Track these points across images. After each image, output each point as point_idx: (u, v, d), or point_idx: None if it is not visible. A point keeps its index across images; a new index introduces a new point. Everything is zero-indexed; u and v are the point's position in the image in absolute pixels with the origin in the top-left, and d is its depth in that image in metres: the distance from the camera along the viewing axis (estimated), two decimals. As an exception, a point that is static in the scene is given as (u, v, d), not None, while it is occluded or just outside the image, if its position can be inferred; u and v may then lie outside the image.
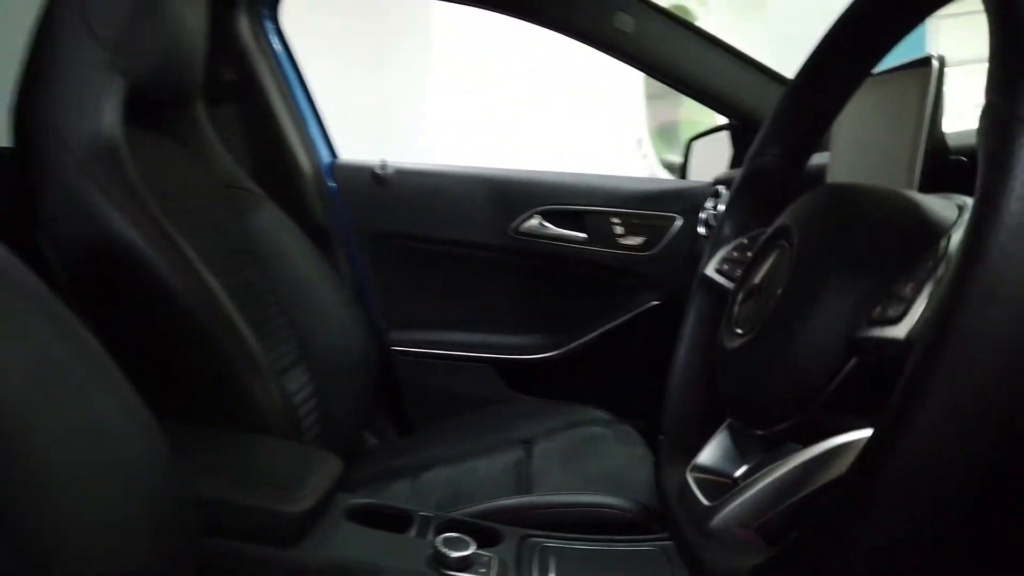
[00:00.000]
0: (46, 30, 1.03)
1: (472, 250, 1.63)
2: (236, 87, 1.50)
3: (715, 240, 0.79)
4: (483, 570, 0.86)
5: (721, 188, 1.42)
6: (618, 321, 1.60)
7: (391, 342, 1.65)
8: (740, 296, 0.64)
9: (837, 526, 0.41)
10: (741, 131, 1.55)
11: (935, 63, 0.71)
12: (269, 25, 1.53)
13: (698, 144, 1.78)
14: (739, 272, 0.69)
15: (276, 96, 1.53)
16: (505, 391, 1.62)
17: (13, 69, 1.04)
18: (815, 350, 0.50)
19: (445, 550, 0.84)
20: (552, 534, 0.97)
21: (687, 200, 1.55)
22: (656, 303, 1.58)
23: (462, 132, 2.79)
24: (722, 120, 1.61)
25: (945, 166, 0.72)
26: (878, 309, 0.46)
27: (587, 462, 1.24)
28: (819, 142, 0.74)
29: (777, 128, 0.73)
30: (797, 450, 0.54)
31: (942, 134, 0.72)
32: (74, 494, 0.63)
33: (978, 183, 0.36)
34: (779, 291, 0.56)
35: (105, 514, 0.64)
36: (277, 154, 1.56)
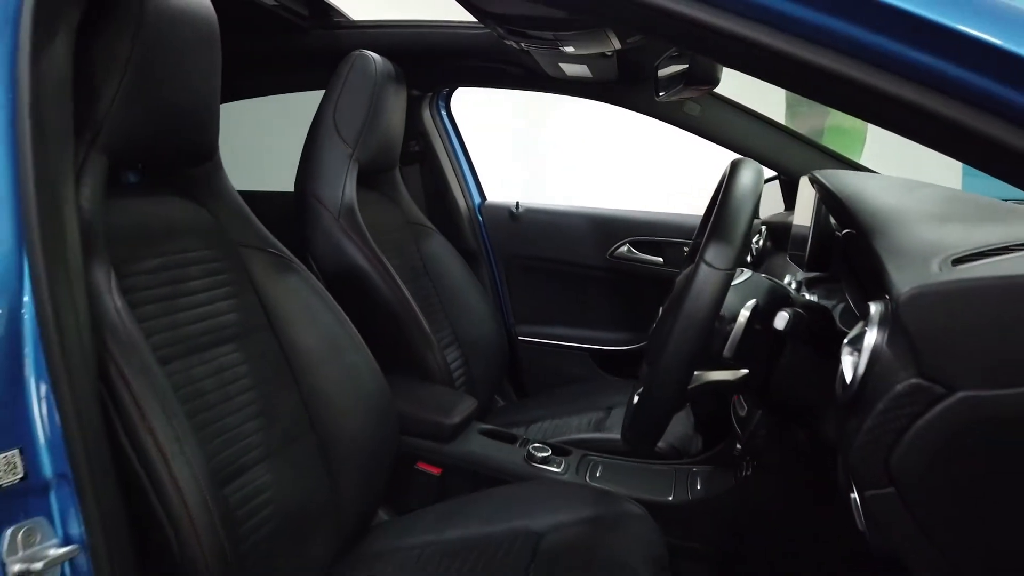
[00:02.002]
0: (313, 136, 1.70)
1: (578, 268, 2.18)
2: (419, 154, 2.15)
3: None
4: (556, 467, 1.44)
5: (762, 228, 1.89)
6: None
7: (517, 333, 2.24)
8: None
9: None
10: (786, 183, 2.00)
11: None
12: (443, 112, 2.18)
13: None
14: None
15: (445, 160, 2.17)
16: (597, 372, 2.17)
17: (295, 161, 1.70)
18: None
19: (533, 452, 1.43)
20: (603, 454, 1.53)
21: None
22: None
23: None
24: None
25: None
26: None
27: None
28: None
29: None
30: None
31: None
32: (341, 407, 1.22)
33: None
34: None
35: (357, 418, 1.24)
36: (444, 199, 2.19)
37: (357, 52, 1.67)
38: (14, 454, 0.70)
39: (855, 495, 0.71)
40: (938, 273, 0.63)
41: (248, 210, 1.25)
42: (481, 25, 1.79)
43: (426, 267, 1.92)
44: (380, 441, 1.26)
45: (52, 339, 0.71)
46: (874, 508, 0.64)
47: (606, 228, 2.15)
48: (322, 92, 1.72)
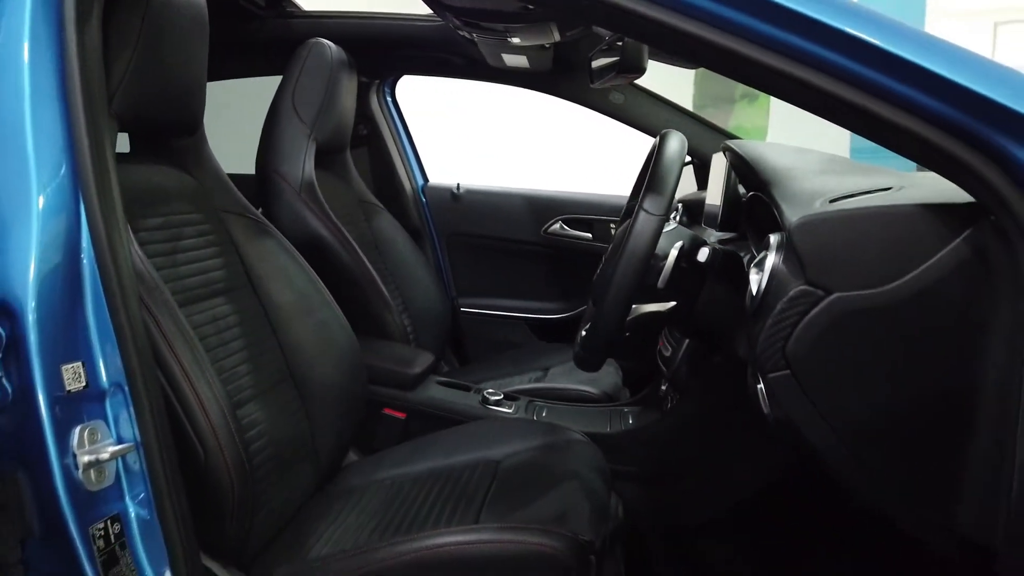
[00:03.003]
0: (272, 116, 1.82)
1: (515, 244, 2.38)
2: (367, 137, 2.29)
3: None
4: (507, 409, 1.62)
5: (679, 205, 2.12)
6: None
7: (459, 305, 2.41)
8: None
9: None
10: (698, 167, 2.24)
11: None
12: (388, 99, 2.32)
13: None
14: None
15: (391, 143, 2.32)
16: (533, 339, 2.37)
17: (255, 139, 1.82)
18: None
19: (487, 396, 1.60)
20: (548, 400, 1.73)
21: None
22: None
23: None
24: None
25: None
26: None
27: (582, 374, 1.97)
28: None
29: None
30: None
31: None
32: (314, 357, 1.37)
33: None
34: None
35: (329, 367, 1.38)
36: (390, 180, 2.34)
37: (314, 39, 1.80)
38: (78, 366, 0.83)
39: (761, 385, 0.92)
40: (819, 208, 0.85)
41: (228, 179, 1.37)
42: (427, 17, 1.96)
43: (376, 242, 2.06)
44: (350, 387, 1.41)
45: (108, 266, 0.84)
46: (775, 388, 0.85)
47: (540, 207, 2.35)
48: (276, 78, 1.84)
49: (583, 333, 1.13)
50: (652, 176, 1.04)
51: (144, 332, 0.90)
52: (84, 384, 0.83)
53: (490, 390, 1.67)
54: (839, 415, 0.83)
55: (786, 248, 0.86)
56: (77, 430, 0.82)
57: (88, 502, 0.82)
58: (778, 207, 0.91)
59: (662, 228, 1.02)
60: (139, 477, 0.87)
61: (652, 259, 1.03)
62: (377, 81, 2.26)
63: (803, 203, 0.87)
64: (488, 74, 2.08)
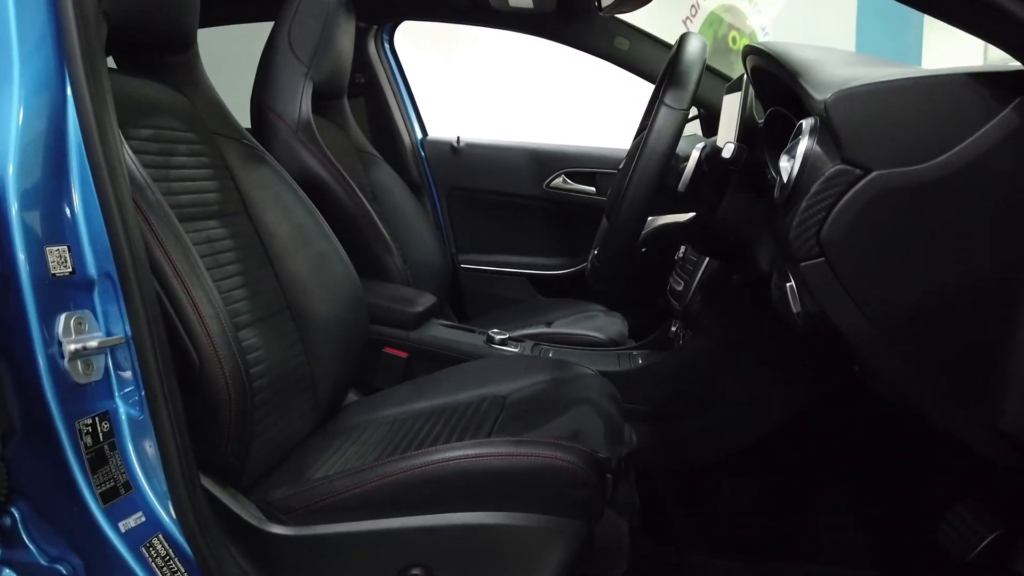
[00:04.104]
0: (268, 55, 1.76)
1: (516, 199, 2.32)
2: (364, 86, 2.23)
3: None
4: (513, 348, 1.57)
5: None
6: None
7: (459, 261, 2.35)
8: None
9: None
10: (707, 118, 2.19)
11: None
12: (387, 46, 2.26)
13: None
14: None
15: (389, 92, 2.26)
16: (534, 294, 2.32)
17: (251, 78, 1.76)
18: None
19: (492, 335, 1.55)
20: (553, 344, 1.68)
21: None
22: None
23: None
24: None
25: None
26: None
27: (587, 324, 1.92)
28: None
29: None
30: None
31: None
32: (313, 290, 1.31)
33: None
34: None
35: (327, 300, 1.33)
36: (388, 131, 2.29)
37: None
38: (64, 249, 0.77)
39: (790, 282, 0.87)
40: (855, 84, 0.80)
41: (222, 101, 1.31)
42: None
43: (375, 193, 2.01)
44: (350, 322, 1.35)
45: (96, 147, 0.78)
46: (808, 277, 0.80)
47: (542, 160, 2.29)
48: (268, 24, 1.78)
49: (597, 247, 1.07)
50: (673, 72, 0.99)
51: (136, 223, 0.84)
52: (70, 270, 0.77)
53: (495, 330, 1.62)
54: (877, 303, 0.78)
55: (820, 130, 0.81)
56: (63, 318, 0.76)
57: (75, 395, 0.77)
58: (807, 94, 0.86)
59: (684, 123, 0.96)
60: (130, 375, 0.82)
61: (673, 160, 0.98)
62: (375, 27, 2.20)
63: (835, 87, 0.82)
64: (491, 18, 2.03)
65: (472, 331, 1.67)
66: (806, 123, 0.83)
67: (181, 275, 0.92)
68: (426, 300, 1.64)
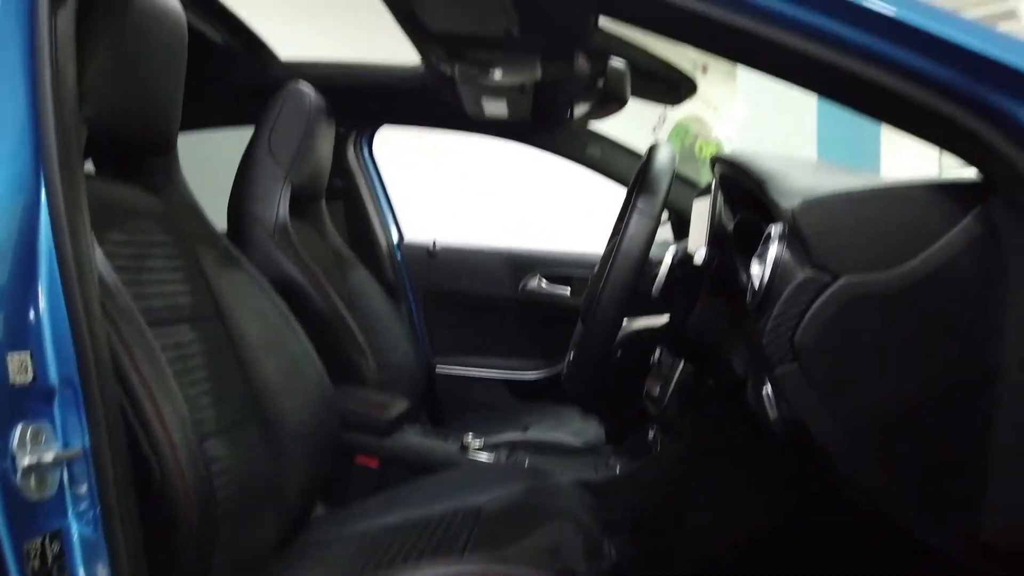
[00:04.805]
0: (248, 158, 1.79)
1: (491, 301, 2.33)
2: (342, 190, 2.26)
3: None
4: (488, 455, 1.54)
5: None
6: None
7: (434, 364, 2.33)
8: None
9: None
10: (677, 223, 2.24)
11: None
12: (365, 151, 2.31)
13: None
14: None
15: (367, 196, 2.29)
16: (511, 399, 2.29)
17: (229, 183, 1.78)
18: None
19: (467, 441, 1.52)
20: (529, 451, 1.64)
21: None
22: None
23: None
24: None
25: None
26: None
27: (564, 430, 1.89)
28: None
29: None
30: None
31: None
32: (284, 396, 1.28)
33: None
34: None
35: (299, 407, 1.30)
36: (365, 234, 2.30)
37: (293, 82, 1.79)
38: (26, 356, 0.74)
39: (766, 388, 0.86)
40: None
41: (199, 205, 1.32)
42: (406, 67, 1.97)
43: (350, 297, 2.00)
44: (321, 429, 1.32)
45: (67, 251, 0.77)
46: (783, 383, 0.80)
47: (518, 263, 2.32)
48: (249, 128, 1.82)
49: (573, 352, 1.07)
50: (645, 180, 1.02)
51: (103, 331, 0.82)
52: (31, 377, 0.74)
53: (469, 437, 1.59)
54: (851, 409, 0.77)
55: (789, 235, 0.82)
56: (18, 429, 0.73)
57: (26, 514, 0.73)
58: (774, 202, 0.88)
59: (657, 228, 0.98)
60: (86, 490, 0.77)
61: (645, 264, 0.99)
62: (355, 132, 2.25)
63: (801, 195, 0.85)
64: (467, 125, 2.09)
65: (447, 438, 1.63)
66: (774, 229, 0.85)
67: (147, 382, 0.90)
68: (400, 405, 1.61)
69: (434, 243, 2.37)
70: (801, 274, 0.78)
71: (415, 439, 1.58)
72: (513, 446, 1.66)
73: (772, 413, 0.85)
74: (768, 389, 0.85)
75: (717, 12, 0.74)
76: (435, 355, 2.36)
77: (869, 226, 0.78)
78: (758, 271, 0.85)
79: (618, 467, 1.54)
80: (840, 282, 0.76)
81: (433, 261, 2.35)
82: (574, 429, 1.88)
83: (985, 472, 0.74)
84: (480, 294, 2.33)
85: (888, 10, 0.71)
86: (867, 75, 0.72)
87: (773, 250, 0.83)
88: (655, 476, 1.46)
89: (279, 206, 1.72)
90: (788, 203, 0.83)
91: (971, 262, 0.73)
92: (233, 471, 1.10)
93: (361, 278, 2.06)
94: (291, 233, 1.71)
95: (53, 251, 0.77)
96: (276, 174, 1.75)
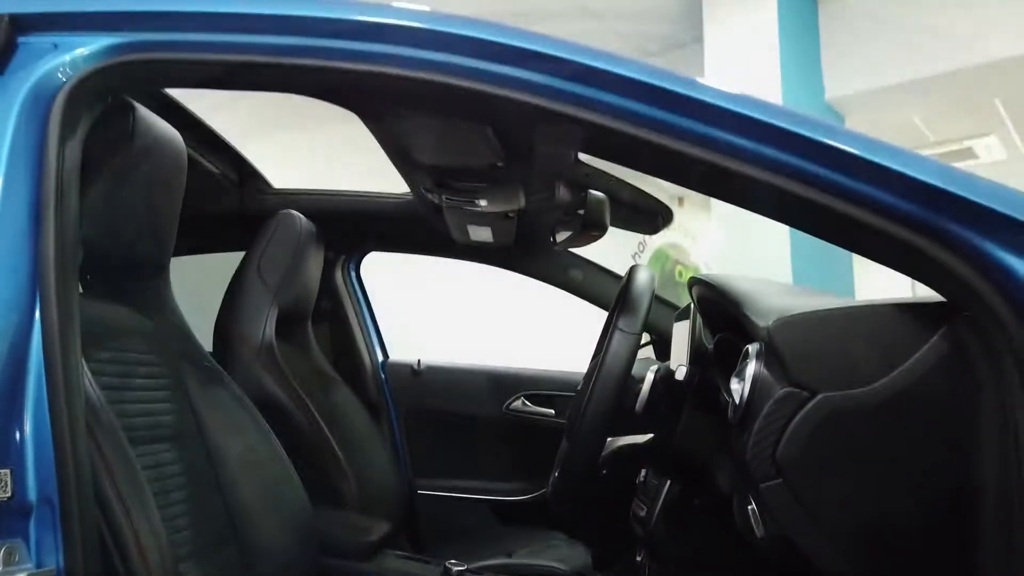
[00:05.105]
0: (237, 280, 1.82)
1: (475, 421, 2.31)
2: (329, 312, 2.29)
3: None
4: (470, 577, 1.49)
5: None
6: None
7: (416, 485, 2.28)
8: None
9: None
10: (659, 343, 2.27)
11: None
12: (353, 274, 2.36)
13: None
14: None
15: (353, 318, 2.32)
16: (494, 523, 2.22)
17: (216, 304, 1.80)
18: None
19: (450, 567, 1.48)
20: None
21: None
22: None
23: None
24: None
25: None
26: None
27: (550, 554, 1.84)
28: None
29: None
30: None
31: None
32: (262, 519, 1.27)
33: None
34: None
35: (277, 530, 1.28)
36: (350, 354, 2.31)
37: (285, 210, 1.86)
38: (6, 473, 0.74)
39: (751, 505, 0.87)
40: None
41: (188, 325, 1.34)
42: (394, 195, 2.05)
43: (333, 416, 1.99)
44: (298, 554, 1.29)
45: (56, 368, 0.78)
46: (768, 499, 0.80)
47: (502, 383, 2.32)
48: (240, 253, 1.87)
49: (558, 468, 1.07)
50: (625, 299, 1.05)
51: (85, 449, 0.82)
52: (9, 495, 0.74)
53: (452, 561, 1.53)
54: (835, 523, 0.78)
55: (766, 353, 0.85)
56: (-8, 547, 0.71)
57: (-10, 640, 0.70)
58: (750, 321, 0.92)
59: (638, 346, 1.01)
60: (56, 615, 0.75)
61: (628, 381, 1.01)
62: (343, 257, 2.31)
63: (776, 314, 0.88)
64: (453, 251, 2.15)
65: (428, 562, 1.58)
66: (752, 348, 0.88)
67: (125, 502, 0.89)
68: (380, 529, 1.57)
69: (418, 361, 2.38)
70: (780, 390, 0.80)
71: (395, 563, 1.53)
72: (497, 572, 1.61)
73: (759, 531, 0.85)
74: (754, 506, 0.86)
75: (691, 149, 0.80)
76: (417, 476, 2.31)
77: (841, 345, 0.82)
78: (738, 387, 0.87)
79: (605, 593, 1.49)
80: (818, 398, 0.78)
81: (417, 379, 2.35)
82: (560, 555, 1.83)
83: None
84: (464, 413, 2.32)
85: (854, 150, 0.78)
86: (835, 207, 0.77)
87: (751, 367, 0.85)
88: None
89: (266, 327, 1.74)
90: (764, 322, 0.86)
91: (942, 379, 0.76)
92: None
93: (344, 397, 2.05)
94: (276, 353, 1.72)
95: (43, 369, 0.78)
96: (264, 296, 1.78)
